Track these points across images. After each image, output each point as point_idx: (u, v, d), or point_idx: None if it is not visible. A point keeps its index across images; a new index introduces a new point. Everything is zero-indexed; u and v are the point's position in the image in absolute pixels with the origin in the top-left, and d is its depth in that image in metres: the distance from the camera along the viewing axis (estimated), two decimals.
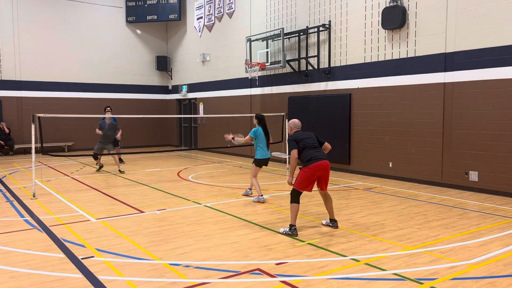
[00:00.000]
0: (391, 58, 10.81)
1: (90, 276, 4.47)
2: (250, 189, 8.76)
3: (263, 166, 8.46)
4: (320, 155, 6.04)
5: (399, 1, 10.44)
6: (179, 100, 20.96)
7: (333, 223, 6.39)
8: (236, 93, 16.48)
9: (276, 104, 14.44)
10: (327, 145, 6.36)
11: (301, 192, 6.06)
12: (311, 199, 8.52)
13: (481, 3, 8.94)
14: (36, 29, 17.78)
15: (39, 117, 8.81)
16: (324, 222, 6.52)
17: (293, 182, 6.10)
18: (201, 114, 18.60)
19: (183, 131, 20.75)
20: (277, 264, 4.84)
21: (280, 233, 6.00)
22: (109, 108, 13.42)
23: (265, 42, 14.16)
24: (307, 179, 5.97)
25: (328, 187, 6.32)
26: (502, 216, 7.12)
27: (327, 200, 6.37)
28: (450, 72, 9.58)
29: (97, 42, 19.23)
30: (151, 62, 20.90)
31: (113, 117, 12.57)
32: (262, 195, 8.18)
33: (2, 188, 9.74)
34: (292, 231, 5.93)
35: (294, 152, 5.99)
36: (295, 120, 6.64)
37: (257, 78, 14.43)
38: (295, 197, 6.04)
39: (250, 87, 15.72)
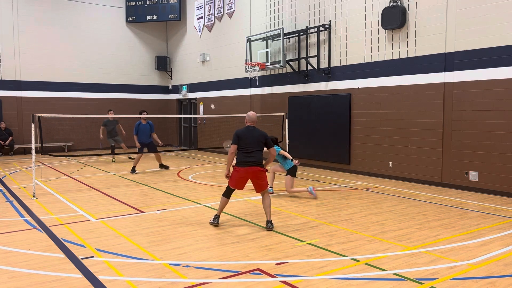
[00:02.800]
0: (391, 58, 10.81)
1: (90, 276, 4.47)
2: None
3: None
4: (250, 160, 6.24)
5: (399, 1, 10.44)
6: (179, 100, 20.96)
7: (267, 224, 6.27)
8: (236, 93, 16.48)
9: (276, 104, 14.45)
10: (272, 152, 6.52)
11: (233, 190, 6.43)
12: (312, 198, 8.53)
13: (481, 3, 8.94)
14: (36, 29, 17.78)
15: (39, 117, 8.81)
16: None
17: (228, 176, 6.47)
18: (201, 114, 18.60)
19: (183, 131, 20.75)
20: (277, 264, 4.84)
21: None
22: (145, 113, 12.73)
23: (265, 42, 14.16)
24: (236, 179, 6.34)
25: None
26: (502, 216, 7.12)
27: (263, 200, 6.40)
28: (450, 72, 9.58)
29: (97, 42, 19.23)
30: (151, 62, 20.90)
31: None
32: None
33: (2, 188, 9.73)
34: (213, 220, 6.45)
35: (233, 148, 6.34)
36: (251, 114, 6.60)
37: (257, 78, 14.43)
38: (226, 191, 6.47)
39: (250, 87, 15.72)
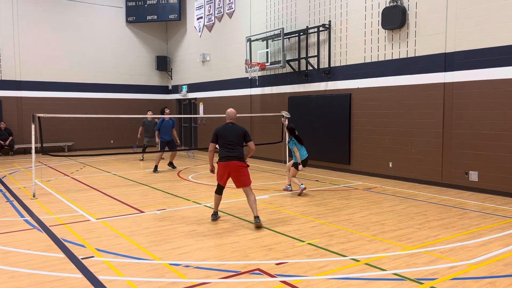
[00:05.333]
0: (391, 58, 10.81)
1: (90, 276, 4.47)
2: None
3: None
4: (230, 155, 6.47)
5: (399, 1, 10.44)
6: (179, 100, 20.96)
7: (255, 219, 6.38)
8: (236, 93, 16.48)
9: (276, 104, 14.44)
10: (250, 146, 6.68)
11: (222, 186, 6.70)
12: (312, 198, 8.54)
13: (481, 3, 8.94)
14: (36, 29, 17.78)
15: (39, 117, 8.81)
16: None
17: (214, 171, 6.82)
18: (201, 114, 18.60)
19: (183, 131, 20.75)
20: (277, 264, 4.84)
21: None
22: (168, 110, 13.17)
23: (265, 42, 14.16)
24: (218, 174, 6.66)
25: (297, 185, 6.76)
26: (502, 216, 7.12)
27: (247, 196, 6.57)
28: (450, 72, 9.58)
29: (97, 42, 19.24)
30: (151, 62, 20.91)
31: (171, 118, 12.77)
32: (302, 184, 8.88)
33: (2, 188, 9.73)
34: (212, 217, 6.81)
35: (211, 146, 6.63)
36: (229, 111, 6.82)
37: (257, 78, 14.43)
38: (217, 188, 6.77)
39: (250, 87, 15.72)
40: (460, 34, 9.34)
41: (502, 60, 8.67)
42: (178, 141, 13.03)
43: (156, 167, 12.34)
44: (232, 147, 6.49)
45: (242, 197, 8.51)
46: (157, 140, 12.64)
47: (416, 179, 10.35)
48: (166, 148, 12.51)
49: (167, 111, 12.90)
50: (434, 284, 4.28)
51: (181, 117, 20.48)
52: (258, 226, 6.31)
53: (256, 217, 6.38)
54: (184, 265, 4.82)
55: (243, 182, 6.52)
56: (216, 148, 6.68)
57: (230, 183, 6.83)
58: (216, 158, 6.84)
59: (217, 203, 6.84)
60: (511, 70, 8.56)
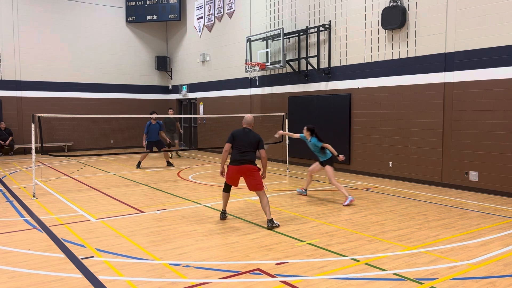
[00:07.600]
0: (391, 58, 10.81)
1: (90, 276, 4.47)
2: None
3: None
4: (242, 159, 6.52)
5: (399, 1, 10.44)
6: (179, 100, 20.96)
7: (268, 223, 6.34)
8: (236, 93, 16.49)
9: (276, 104, 14.45)
10: (262, 153, 6.63)
11: (230, 185, 6.79)
12: (312, 198, 8.53)
13: (481, 3, 8.94)
14: (36, 29, 17.78)
15: (39, 117, 8.81)
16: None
17: (223, 173, 6.77)
18: (201, 114, 18.60)
19: (183, 131, 20.74)
20: (277, 264, 4.84)
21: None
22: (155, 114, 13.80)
23: (265, 42, 14.16)
24: (229, 176, 6.68)
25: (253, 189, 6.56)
26: (502, 216, 7.12)
27: (260, 200, 6.54)
28: (450, 72, 9.58)
29: (97, 42, 19.23)
30: (151, 62, 20.91)
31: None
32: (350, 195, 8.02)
33: (2, 188, 9.73)
34: (221, 215, 6.88)
35: (227, 146, 6.67)
36: (247, 117, 6.97)
37: (257, 78, 14.43)
38: (224, 187, 6.86)
39: (250, 87, 15.72)
40: (460, 34, 9.34)
41: (502, 60, 8.67)
42: (168, 139, 14.18)
43: (139, 163, 13.29)
44: (244, 151, 6.55)
45: (242, 197, 8.52)
46: (144, 143, 13.36)
47: (416, 179, 10.35)
48: (155, 149, 13.37)
49: (154, 115, 13.45)
50: (434, 284, 4.28)
51: (181, 117, 20.48)
52: (271, 229, 6.28)
53: (269, 221, 6.34)
54: (184, 265, 4.82)
55: (255, 185, 6.52)
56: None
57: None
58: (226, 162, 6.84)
59: (225, 202, 6.89)
60: (511, 70, 8.56)
